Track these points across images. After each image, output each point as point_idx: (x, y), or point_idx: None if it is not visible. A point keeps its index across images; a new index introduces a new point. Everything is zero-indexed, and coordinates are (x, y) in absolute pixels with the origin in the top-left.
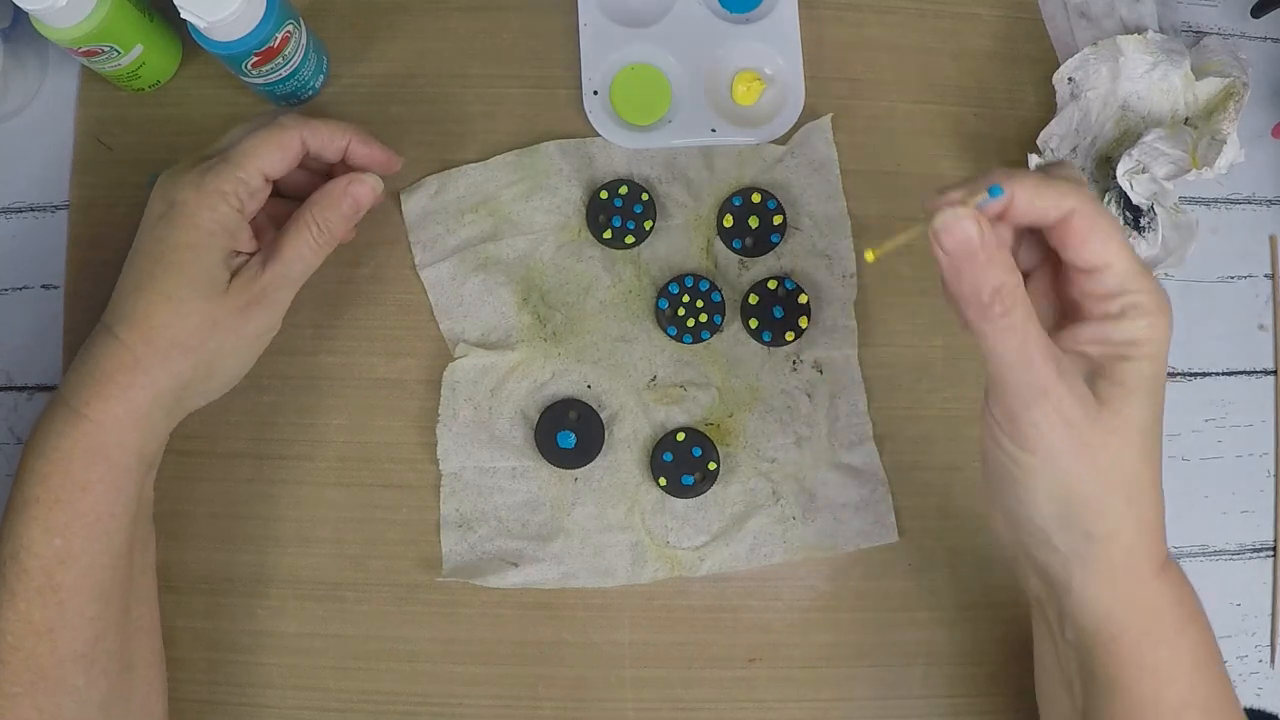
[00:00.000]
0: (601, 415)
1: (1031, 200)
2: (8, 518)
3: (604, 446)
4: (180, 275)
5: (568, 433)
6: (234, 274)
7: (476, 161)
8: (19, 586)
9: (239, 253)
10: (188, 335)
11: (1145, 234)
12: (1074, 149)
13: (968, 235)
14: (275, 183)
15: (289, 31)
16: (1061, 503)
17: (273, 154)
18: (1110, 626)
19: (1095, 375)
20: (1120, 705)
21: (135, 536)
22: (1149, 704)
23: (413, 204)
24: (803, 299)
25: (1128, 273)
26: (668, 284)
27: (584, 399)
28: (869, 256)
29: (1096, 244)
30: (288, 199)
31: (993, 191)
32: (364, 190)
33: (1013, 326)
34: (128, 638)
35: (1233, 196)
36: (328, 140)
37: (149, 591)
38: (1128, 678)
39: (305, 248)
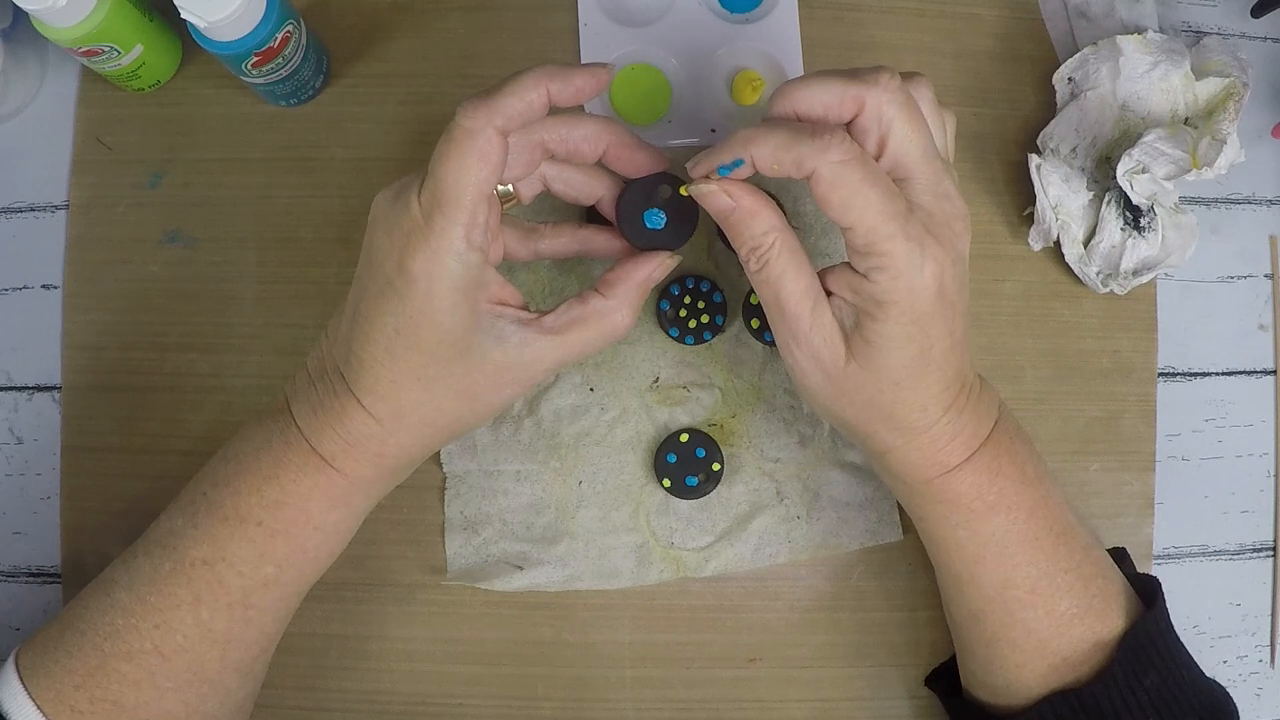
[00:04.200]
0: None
1: (770, 165)
2: (207, 522)
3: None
4: (427, 355)
5: (656, 211)
6: (495, 334)
7: None
8: (208, 596)
9: (501, 304)
10: (439, 413)
11: (1145, 234)
12: (1074, 149)
13: (719, 206)
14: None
15: (289, 31)
16: (833, 421)
17: (477, 169)
18: (913, 510)
19: (856, 322)
20: (946, 580)
21: None
22: (967, 582)
23: None
24: None
25: (876, 235)
26: (669, 285)
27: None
28: (683, 191)
29: (837, 207)
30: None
31: (721, 171)
32: (663, 273)
33: (766, 280)
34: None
35: (1233, 196)
36: (532, 115)
37: None
38: (942, 555)
39: (601, 338)
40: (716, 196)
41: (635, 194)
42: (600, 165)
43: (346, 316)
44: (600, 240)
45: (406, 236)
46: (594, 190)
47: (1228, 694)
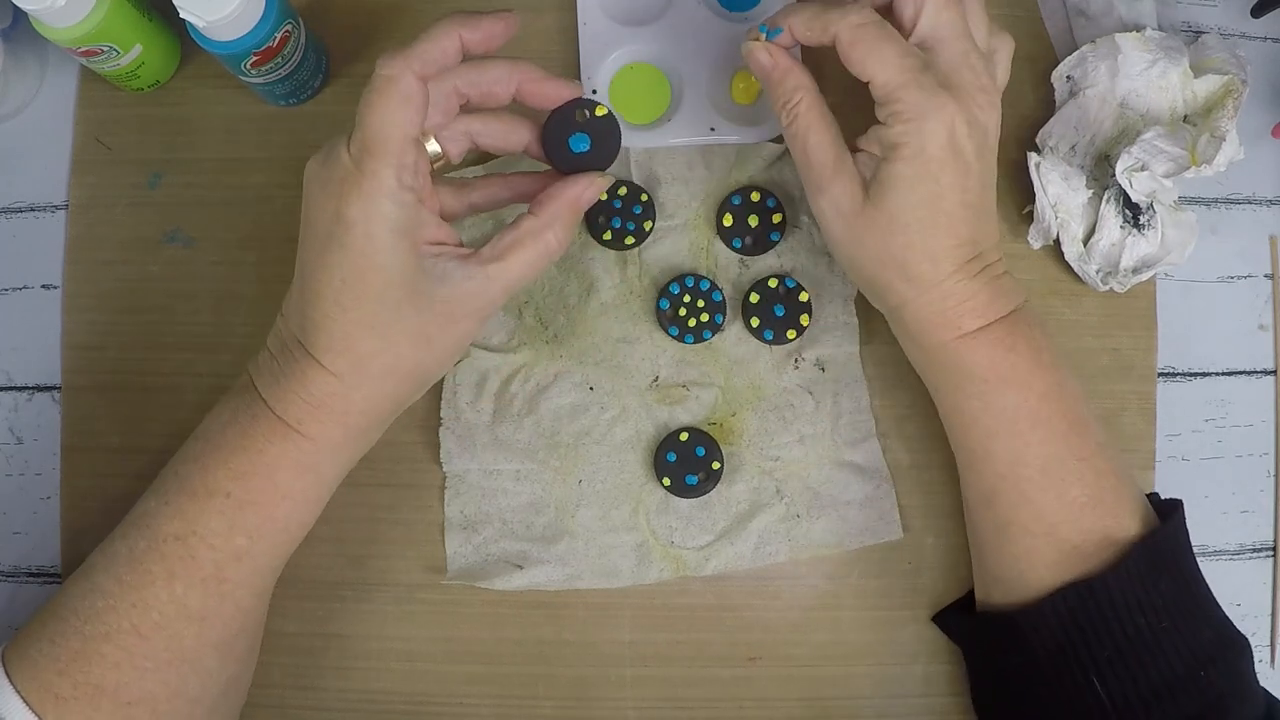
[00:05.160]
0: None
1: (803, 32)
2: (177, 499)
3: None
4: (377, 300)
5: (580, 135)
6: (438, 273)
7: (476, 164)
8: (181, 570)
9: (439, 243)
10: (398, 359)
11: (1145, 231)
12: (1073, 146)
13: (760, 62)
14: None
15: (288, 31)
16: (856, 275)
17: (401, 113)
18: (928, 378)
19: (874, 171)
20: (962, 458)
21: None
22: (981, 458)
23: None
24: (804, 297)
25: (891, 85)
26: (668, 284)
27: (591, 101)
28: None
29: (857, 62)
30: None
31: (768, 33)
32: (594, 192)
33: (795, 134)
34: (260, 626)
35: (1233, 196)
36: (447, 60)
37: None
38: (958, 430)
39: (538, 258)
40: (758, 53)
41: (557, 123)
42: (519, 113)
43: (296, 286)
44: (530, 183)
45: (340, 186)
46: (519, 136)
47: (1244, 636)
